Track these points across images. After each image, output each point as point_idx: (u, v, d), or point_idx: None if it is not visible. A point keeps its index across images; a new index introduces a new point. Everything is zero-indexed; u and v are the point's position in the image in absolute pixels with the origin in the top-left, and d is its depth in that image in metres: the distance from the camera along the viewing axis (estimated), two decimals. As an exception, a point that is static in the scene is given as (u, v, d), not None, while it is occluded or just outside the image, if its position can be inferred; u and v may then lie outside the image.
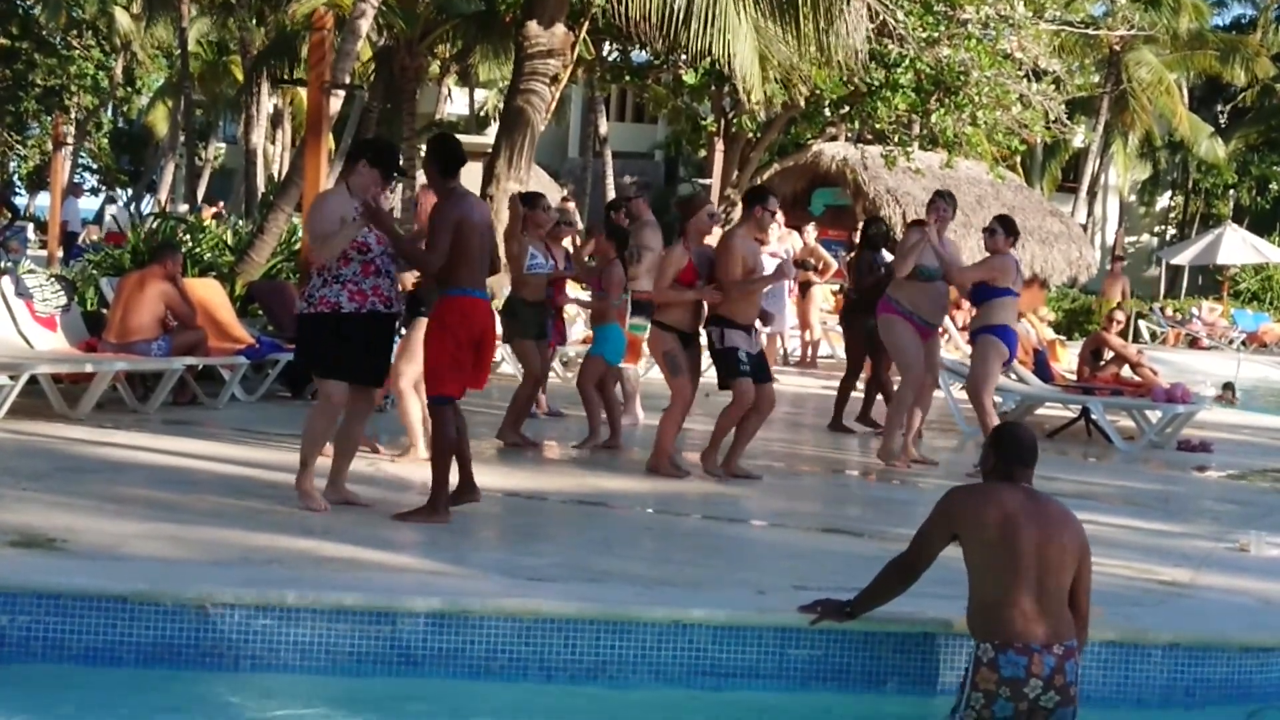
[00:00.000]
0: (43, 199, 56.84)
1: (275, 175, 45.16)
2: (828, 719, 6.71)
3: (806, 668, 6.79)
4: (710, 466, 11.18)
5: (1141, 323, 37.17)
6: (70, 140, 51.37)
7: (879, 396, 14.76)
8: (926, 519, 6.48)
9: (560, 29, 19.13)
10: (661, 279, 11.16)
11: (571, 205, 25.00)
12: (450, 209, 8.74)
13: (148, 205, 53.12)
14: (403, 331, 10.67)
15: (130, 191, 64.28)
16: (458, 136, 11.49)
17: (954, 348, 19.11)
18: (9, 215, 24.37)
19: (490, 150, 20.86)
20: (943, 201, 12.44)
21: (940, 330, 18.13)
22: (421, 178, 27.66)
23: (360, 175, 8.94)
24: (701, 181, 39.50)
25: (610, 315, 12.85)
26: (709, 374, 11.56)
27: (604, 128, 44.60)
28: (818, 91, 23.08)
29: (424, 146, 9.72)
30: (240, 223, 24.51)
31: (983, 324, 12.56)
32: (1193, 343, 36.55)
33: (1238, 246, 40.96)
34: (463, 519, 8.69)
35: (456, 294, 8.76)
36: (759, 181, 29.77)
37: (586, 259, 14.08)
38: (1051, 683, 6.06)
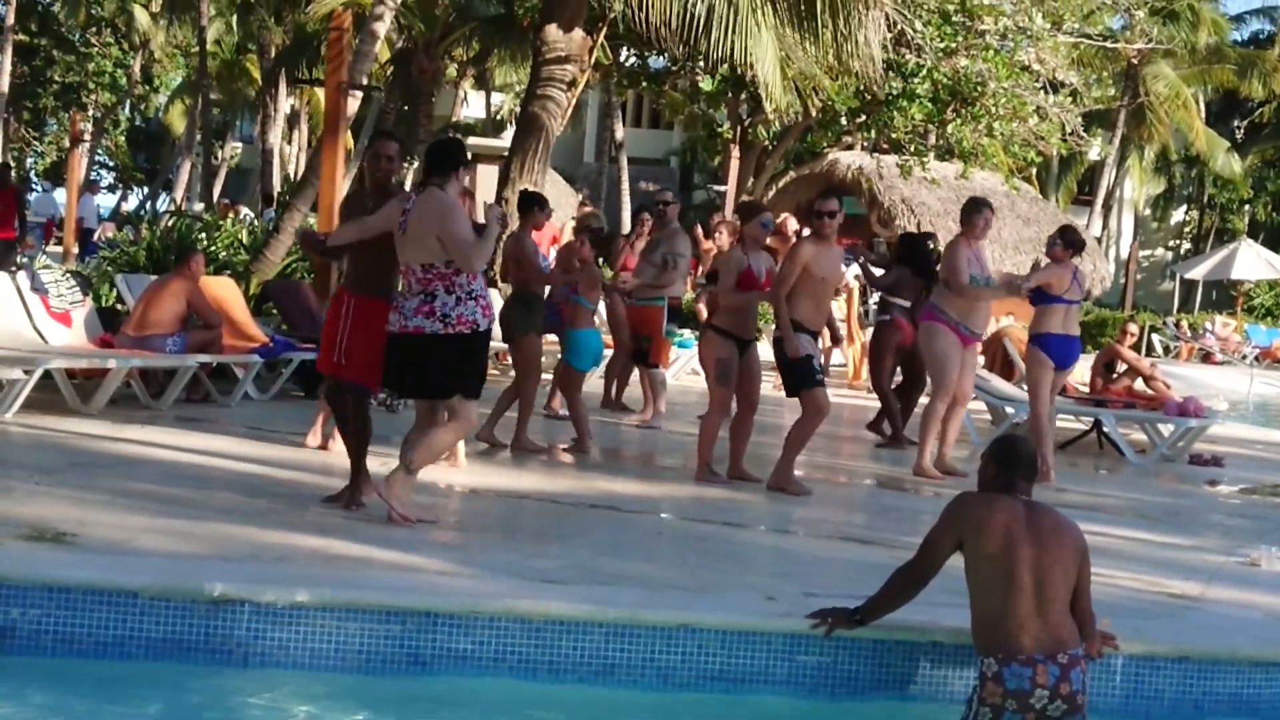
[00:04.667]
0: (58, 195, 57.01)
1: (291, 175, 45.25)
2: (835, 726, 6.72)
3: (815, 674, 6.78)
4: (794, 487, 10.97)
5: (1155, 336, 37.15)
6: (88, 137, 51.53)
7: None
8: (934, 525, 6.48)
9: (578, 34, 19.15)
10: (724, 283, 11.11)
11: (589, 208, 25.02)
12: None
13: (163, 203, 53.23)
14: None
15: (146, 189, 64.45)
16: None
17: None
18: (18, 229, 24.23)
19: (506, 154, 20.90)
20: (989, 210, 12.49)
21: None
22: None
23: (454, 182, 8.57)
24: (717, 188, 39.53)
25: (582, 320, 12.87)
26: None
27: (620, 133, 44.65)
28: (830, 102, 23.10)
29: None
30: (255, 221, 24.57)
31: (1031, 332, 12.88)
32: (1206, 357, 36.55)
33: (1252, 262, 40.99)
34: (475, 520, 8.68)
35: None
36: (774, 189, 29.82)
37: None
38: (1057, 691, 6.06)
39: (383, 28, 18.51)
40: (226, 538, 7.72)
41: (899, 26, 20.86)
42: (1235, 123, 56.28)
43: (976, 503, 6.43)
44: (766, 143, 29.11)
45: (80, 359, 12.56)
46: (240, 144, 64.02)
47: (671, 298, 14.05)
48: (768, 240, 11.42)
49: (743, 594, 7.40)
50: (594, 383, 16.26)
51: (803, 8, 17.98)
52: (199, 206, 39.90)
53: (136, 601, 6.46)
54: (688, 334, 18.88)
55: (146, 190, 64.72)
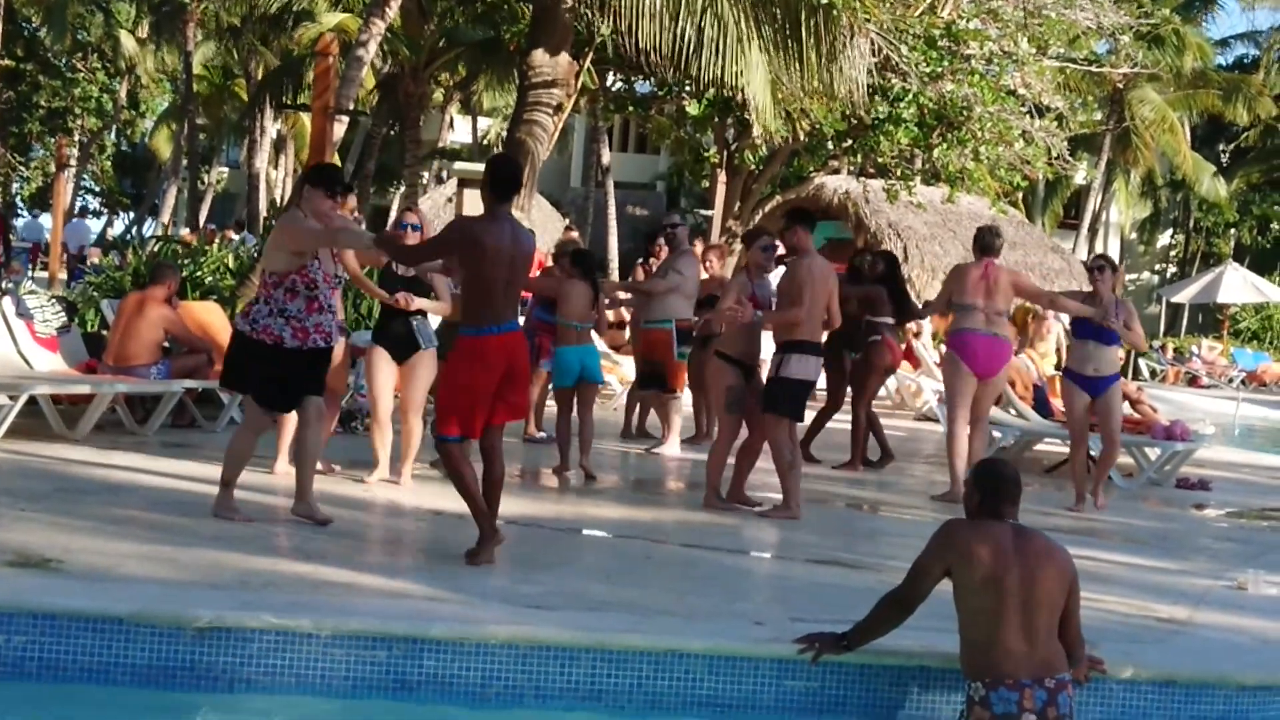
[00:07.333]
0: (45, 220, 56.97)
1: (277, 200, 45.24)
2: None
3: (803, 700, 6.77)
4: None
5: (1141, 360, 37.19)
6: (73, 163, 51.53)
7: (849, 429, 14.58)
8: (923, 551, 6.47)
9: (564, 58, 19.15)
10: (723, 304, 11.00)
11: (574, 234, 25.06)
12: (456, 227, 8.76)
13: (149, 228, 53.22)
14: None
15: (132, 214, 64.45)
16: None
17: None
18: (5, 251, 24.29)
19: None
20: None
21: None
22: (429, 201, 27.57)
23: (309, 199, 9.16)
24: (703, 213, 39.56)
25: (569, 338, 12.65)
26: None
27: (606, 158, 44.67)
28: (817, 126, 23.12)
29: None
30: (242, 246, 24.52)
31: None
32: (1192, 381, 36.58)
33: (1238, 285, 41.08)
34: (462, 546, 8.61)
35: (465, 334, 8.37)
36: (761, 213, 29.89)
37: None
38: (1045, 716, 6.06)
39: (369, 53, 18.51)
40: (213, 563, 7.70)
41: (884, 52, 20.87)
42: (1220, 147, 56.45)
43: (965, 529, 6.42)
44: (753, 167, 29.07)
45: (66, 385, 12.52)
46: (226, 169, 64.02)
47: (680, 320, 13.91)
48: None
49: (731, 619, 7.39)
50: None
51: (788, 32, 18.00)
52: (185, 231, 39.91)
53: (122, 627, 6.43)
54: None
55: (132, 215, 64.72)
